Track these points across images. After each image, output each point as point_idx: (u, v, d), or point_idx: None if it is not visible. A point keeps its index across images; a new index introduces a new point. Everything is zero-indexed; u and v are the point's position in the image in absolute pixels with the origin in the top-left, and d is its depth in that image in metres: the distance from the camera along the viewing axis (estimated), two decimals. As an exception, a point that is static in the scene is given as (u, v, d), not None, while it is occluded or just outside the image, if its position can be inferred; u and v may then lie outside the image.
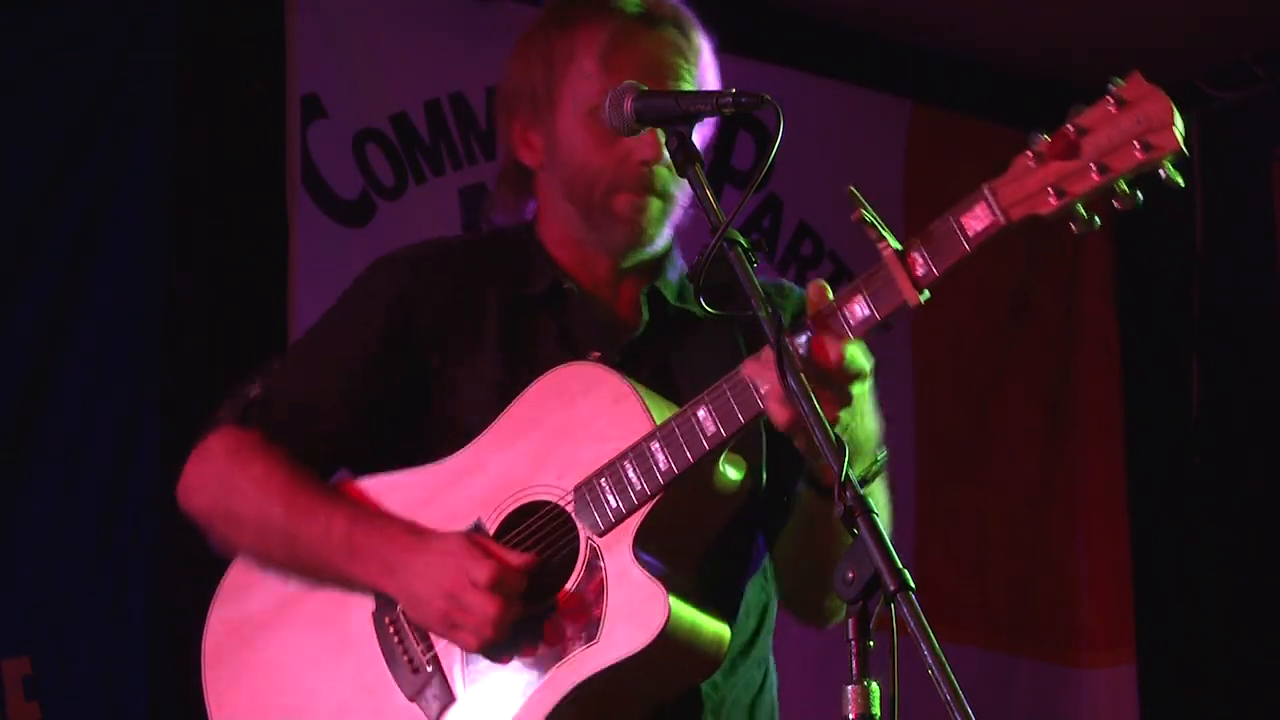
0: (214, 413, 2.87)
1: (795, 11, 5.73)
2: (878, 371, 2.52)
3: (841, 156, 5.85)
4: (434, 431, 2.78)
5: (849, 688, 2.06)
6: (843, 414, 2.48)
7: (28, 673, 4.41)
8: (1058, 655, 6.12)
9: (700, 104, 2.48)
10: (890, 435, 6.25)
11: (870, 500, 2.51)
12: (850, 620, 2.08)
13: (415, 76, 5.13)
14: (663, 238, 2.82)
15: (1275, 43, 5.94)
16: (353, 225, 4.96)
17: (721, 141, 5.54)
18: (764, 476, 2.76)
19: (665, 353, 2.80)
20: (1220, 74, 6.09)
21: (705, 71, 2.81)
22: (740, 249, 2.36)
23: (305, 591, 2.79)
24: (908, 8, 5.82)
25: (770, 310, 2.29)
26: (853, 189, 2.36)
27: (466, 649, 2.64)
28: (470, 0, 5.17)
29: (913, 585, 2.04)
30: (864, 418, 2.56)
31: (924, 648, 2.00)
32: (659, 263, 2.87)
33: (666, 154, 2.58)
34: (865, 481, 2.60)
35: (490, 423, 2.70)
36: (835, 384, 2.44)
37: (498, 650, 2.63)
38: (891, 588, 2.04)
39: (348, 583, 2.73)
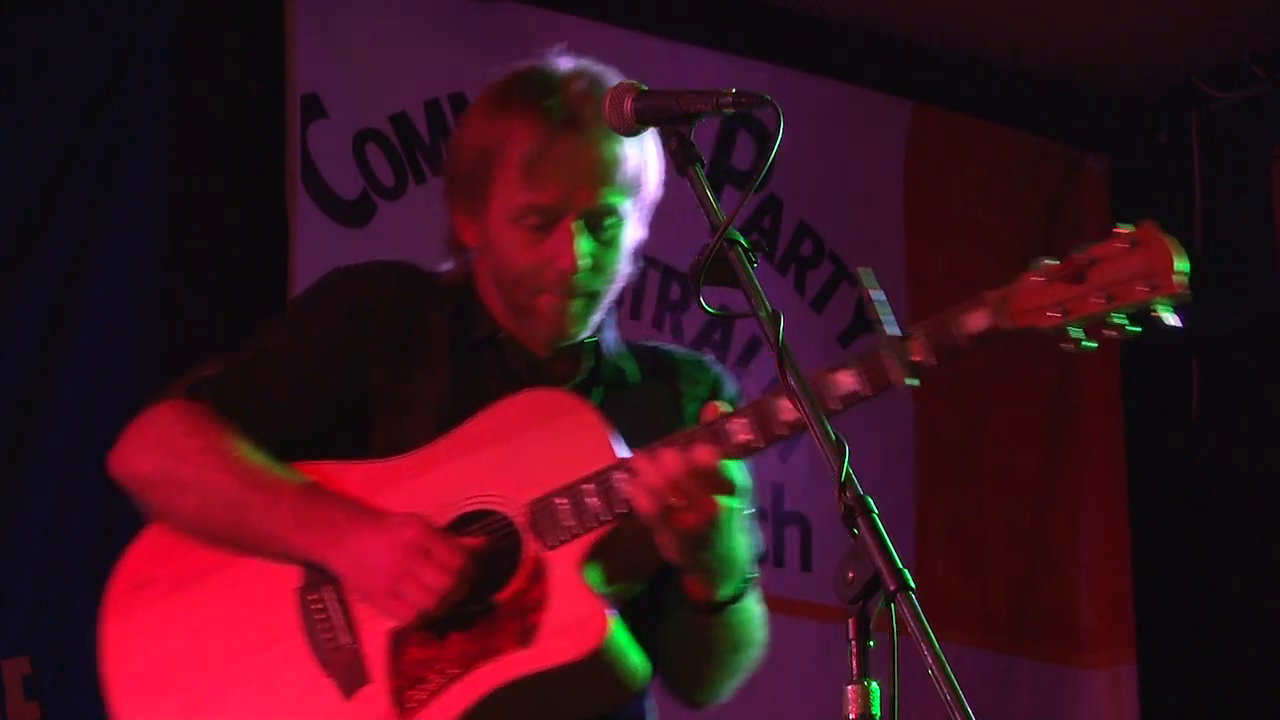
0: (159, 388, 2.88)
1: (796, 11, 5.73)
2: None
3: (841, 156, 5.85)
4: (374, 441, 2.81)
5: (849, 688, 2.07)
6: (712, 533, 2.58)
7: (27, 673, 4.41)
8: (1058, 655, 6.12)
9: (700, 104, 2.48)
10: (890, 436, 6.26)
11: (746, 612, 2.72)
12: (850, 620, 2.08)
13: (415, 76, 5.13)
14: (589, 329, 2.86)
15: (1275, 43, 5.93)
16: (353, 225, 4.96)
17: (721, 141, 5.55)
18: None
19: (601, 405, 2.82)
20: (1220, 74, 6.09)
21: (640, 174, 2.80)
22: (740, 249, 2.36)
23: (223, 562, 2.80)
24: (908, 8, 5.82)
25: (770, 310, 2.30)
26: (864, 270, 2.47)
27: (403, 618, 2.65)
28: (470, 0, 5.17)
29: (913, 585, 2.04)
30: (736, 535, 2.65)
31: (924, 648, 2.00)
32: (598, 325, 2.91)
33: (587, 260, 2.74)
34: (736, 599, 2.72)
35: (447, 432, 2.75)
36: (706, 488, 2.56)
37: (426, 637, 2.66)
38: (891, 588, 2.04)
39: (290, 554, 2.74)
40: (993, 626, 5.98)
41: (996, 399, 6.11)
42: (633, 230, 2.84)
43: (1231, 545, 6.10)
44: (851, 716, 2.06)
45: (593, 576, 2.64)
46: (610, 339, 2.94)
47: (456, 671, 2.63)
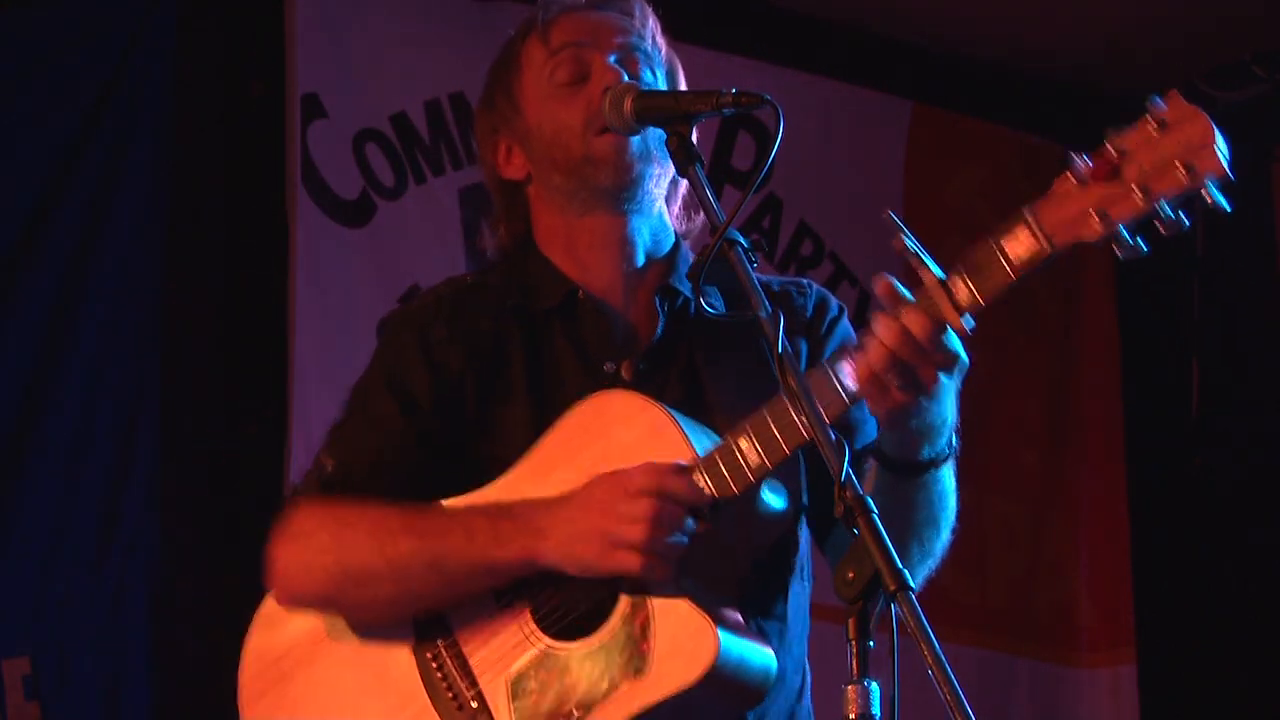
0: (286, 497, 2.82)
1: (795, 11, 5.74)
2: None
3: (841, 156, 5.85)
4: (478, 470, 2.73)
5: (849, 688, 2.07)
6: (924, 404, 2.45)
7: (27, 673, 4.41)
8: (1058, 655, 6.12)
9: (700, 104, 2.48)
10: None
11: (942, 483, 2.57)
12: (850, 620, 2.08)
13: (415, 76, 5.13)
14: (652, 178, 2.76)
15: (1275, 43, 5.94)
16: (353, 225, 4.96)
17: (721, 141, 5.55)
18: (805, 498, 2.73)
19: (688, 356, 2.77)
20: (1220, 74, 6.08)
21: (651, 38, 2.84)
22: (740, 249, 2.36)
23: (341, 627, 2.74)
24: (908, 8, 5.82)
25: (770, 310, 2.29)
26: (890, 214, 2.29)
27: (632, 570, 2.52)
28: (470, 0, 5.17)
29: (912, 585, 2.05)
30: (946, 403, 2.51)
31: (924, 648, 2.00)
32: (669, 262, 2.84)
33: (626, 77, 2.70)
34: (934, 463, 2.58)
35: (522, 454, 2.68)
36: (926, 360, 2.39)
37: (547, 677, 2.59)
38: (891, 588, 2.04)
39: (506, 572, 2.62)
40: (993, 626, 5.98)
41: (996, 399, 6.11)
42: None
43: (1231, 545, 6.10)
44: (851, 716, 2.06)
45: (691, 584, 2.54)
46: (683, 268, 2.83)
47: (580, 715, 2.55)
